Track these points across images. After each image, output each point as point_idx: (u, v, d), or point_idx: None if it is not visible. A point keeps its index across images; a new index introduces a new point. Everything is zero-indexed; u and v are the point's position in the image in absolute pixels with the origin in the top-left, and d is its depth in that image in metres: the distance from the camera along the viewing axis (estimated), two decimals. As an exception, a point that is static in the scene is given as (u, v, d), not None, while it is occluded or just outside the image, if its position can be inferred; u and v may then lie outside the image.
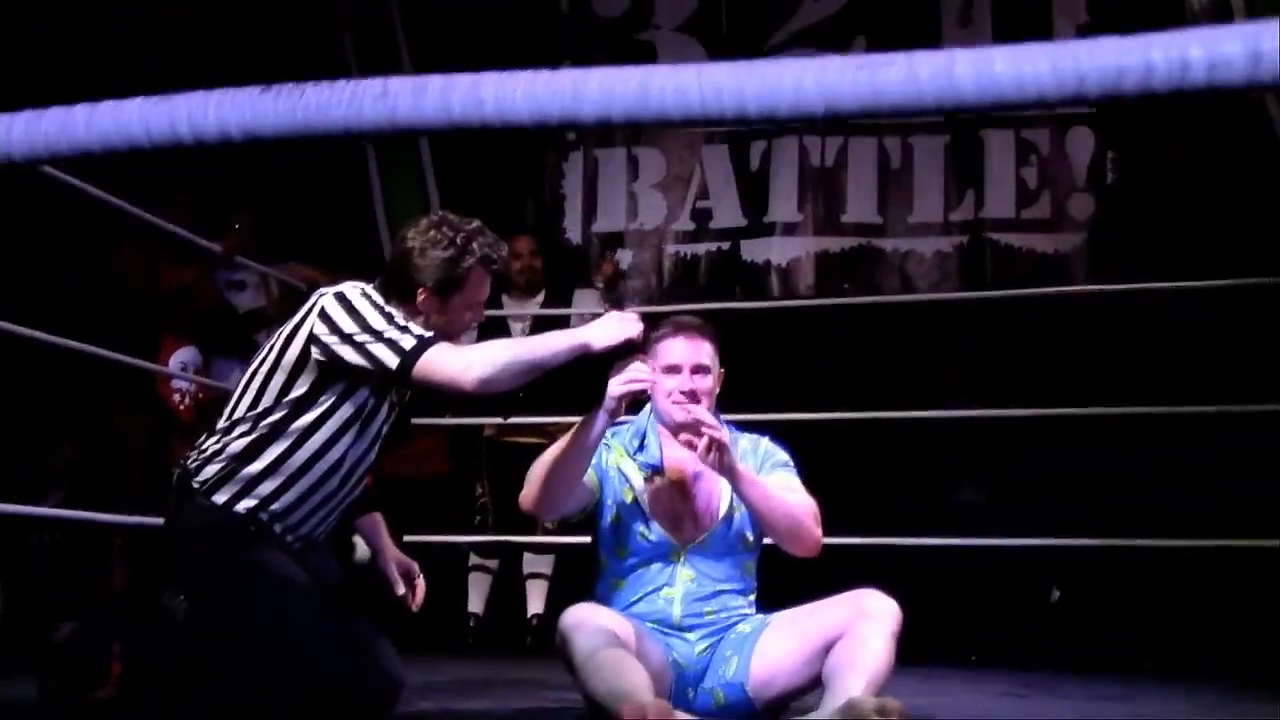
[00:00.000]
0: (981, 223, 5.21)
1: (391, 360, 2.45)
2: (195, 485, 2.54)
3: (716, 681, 2.68)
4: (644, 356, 2.62)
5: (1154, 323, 4.91)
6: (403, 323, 2.51)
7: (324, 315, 2.52)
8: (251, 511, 2.53)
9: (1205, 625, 4.80)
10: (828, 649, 2.49)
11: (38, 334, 3.42)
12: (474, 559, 4.97)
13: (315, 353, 2.51)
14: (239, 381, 2.65)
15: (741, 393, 4.76)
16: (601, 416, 2.55)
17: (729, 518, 2.75)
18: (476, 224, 2.66)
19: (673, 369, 2.73)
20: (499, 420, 4.84)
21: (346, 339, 2.48)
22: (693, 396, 2.70)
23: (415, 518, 4.78)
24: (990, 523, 4.81)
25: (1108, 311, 5.01)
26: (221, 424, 2.60)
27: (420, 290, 2.59)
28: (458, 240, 2.60)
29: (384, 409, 2.63)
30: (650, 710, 2.05)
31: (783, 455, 2.84)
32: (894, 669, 2.43)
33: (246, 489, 2.53)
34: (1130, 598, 4.98)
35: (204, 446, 2.59)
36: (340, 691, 2.48)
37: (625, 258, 5.51)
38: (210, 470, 2.54)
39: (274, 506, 2.54)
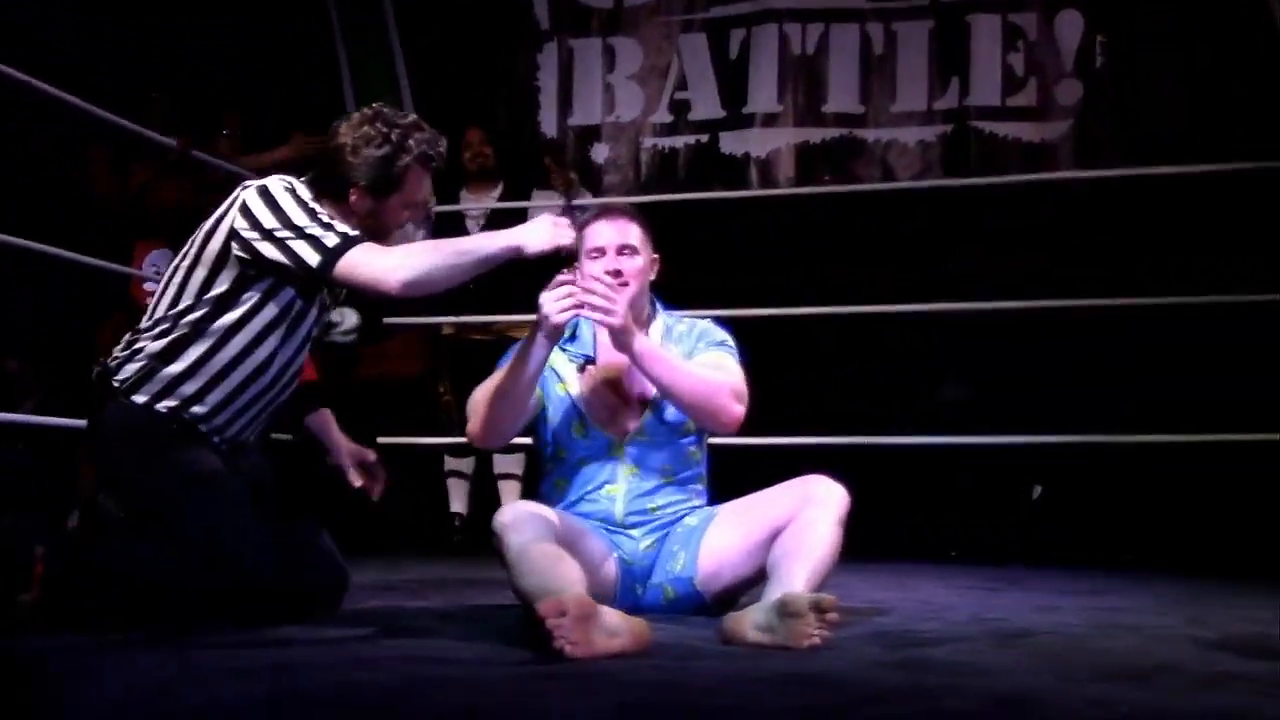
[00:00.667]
0: (966, 111, 5.04)
1: (312, 258, 2.37)
2: (115, 384, 2.47)
3: (664, 577, 2.63)
4: (577, 267, 2.54)
5: (1142, 211, 4.78)
6: (327, 219, 2.42)
7: (245, 209, 2.43)
8: (173, 411, 2.46)
9: (1192, 521, 4.74)
10: (774, 537, 2.43)
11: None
12: (448, 463, 4.95)
13: (236, 248, 2.42)
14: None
15: (720, 287, 4.70)
16: (541, 341, 2.47)
17: (659, 403, 2.66)
18: (413, 118, 2.55)
19: (598, 251, 2.65)
20: (455, 319, 4.77)
21: (267, 235, 2.40)
22: (617, 276, 2.60)
23: (394, 419, 4.74)
24: (974, 419, 4.76)
25: (1095, 200, 4.87)
26: (145, 322, 2.51)
27: (353, 190, 2.49)
28: (393, 137, 2.49)
29: (313, 310, 2.55)
30: (570, 604, 1.95)
31: (720, 335, 2.75)
32: (840, 555, 2.38)
33: (167, 389, 2.46)
34: (1116, 494, 4.92)
35: (125, 345, 2.51)
36: (273, 588, 2.41)
37: (603, 151, 5.39)
38: (130, 369, 2.47)
39: (196, 408, 2.47)
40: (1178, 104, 4.79)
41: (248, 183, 2.50)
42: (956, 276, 4.98)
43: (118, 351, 2.51)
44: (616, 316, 2.45)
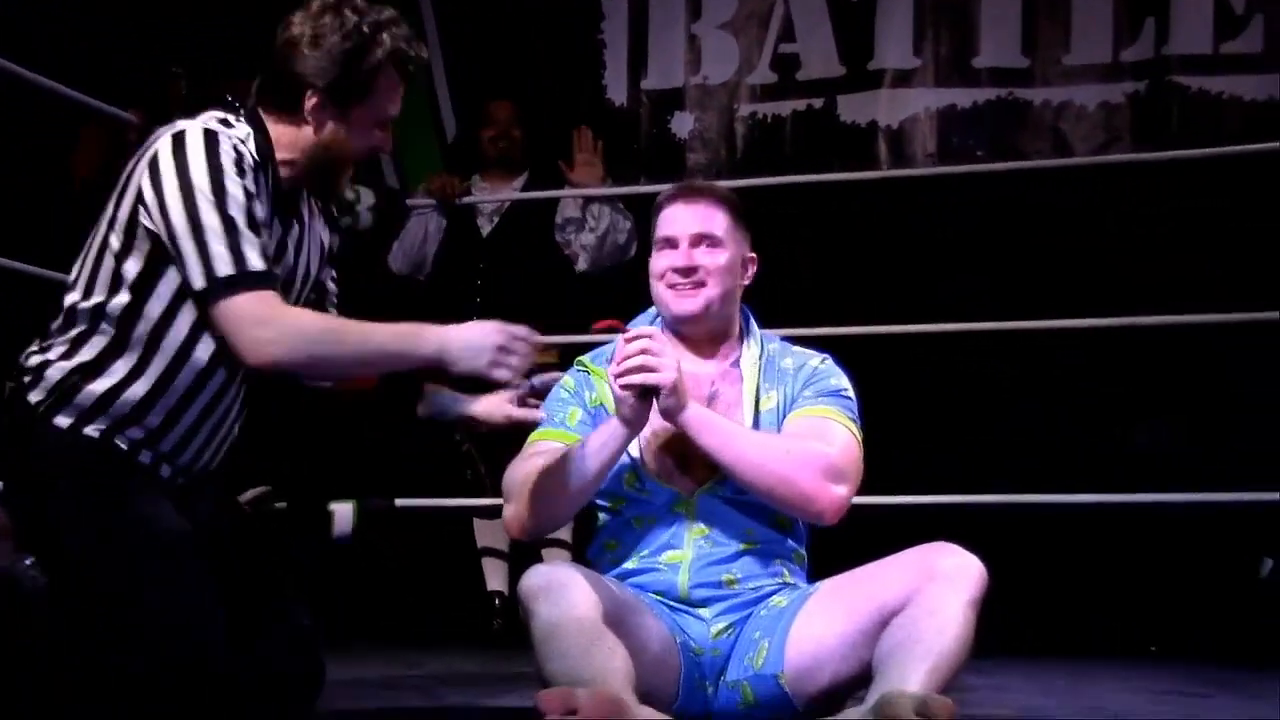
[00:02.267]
0: (1165, 62, 4.95)
1: (196, 279, 2.36)
2: (31, 403, 2.45)
3: (742, 673, 2.58)
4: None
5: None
6: (242, 225, 2.38)
7: (153, 165, 2.40)
8: (105, 436, 2.44)
9: None
10: (885, 624, 2.40)
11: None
12: (479, 536, 5.05)
13: (142, 215, 2.41)
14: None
15: (836, 295, 4.62)
16: (616, 427, 2.50)
17: None
18: (390, 12, 2.54)
19: (666, 242, 2.68)
20: None
21: (163, 212, 2.38)
22: (689, 275, 2.62)
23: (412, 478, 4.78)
24: (1179, 470, 4.74)
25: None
26: (55, 321, 2.50)
27: (309, 93, 2.48)
28: (363, 28, 2.48)
29: None
30: (583, 699, 1.98)
31: (834, 380, 2.72)
32: (972, 648, 2.33)
33: (97, 409, 2.43)
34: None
35: (37, 352, 2.50)
36: (226, 681, 2.39)
37: (686, 122, 5.41)
38: (46, 383, 2.45)
39: (133, 430, 2.45)
40: None
41: (176, 122, 2.47)
42: (1152, 279, 4.90)
43: (27, 362, 2.50)
44: (666, 372, 2.45)
